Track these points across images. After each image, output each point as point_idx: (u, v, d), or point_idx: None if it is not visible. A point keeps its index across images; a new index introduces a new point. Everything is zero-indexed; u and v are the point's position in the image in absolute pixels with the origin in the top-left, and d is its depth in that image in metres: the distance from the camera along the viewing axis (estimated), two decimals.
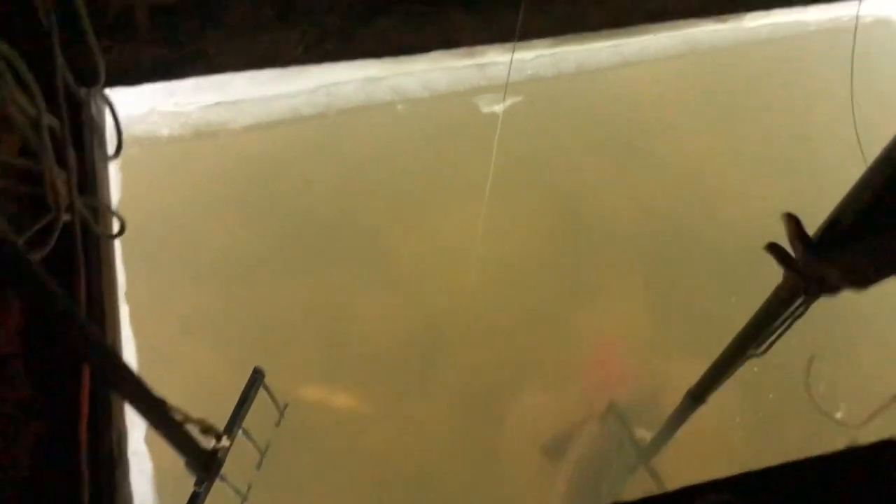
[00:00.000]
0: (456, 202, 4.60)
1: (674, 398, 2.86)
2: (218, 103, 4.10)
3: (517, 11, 3.13)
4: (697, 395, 2.65)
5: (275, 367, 4.08)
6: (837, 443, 2.14)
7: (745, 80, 5.09)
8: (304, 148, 4.64)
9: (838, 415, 3.91)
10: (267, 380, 3.16)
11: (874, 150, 1.61)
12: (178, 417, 2.30)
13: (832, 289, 1.74)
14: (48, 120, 2.08)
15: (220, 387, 3.90)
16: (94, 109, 2.74)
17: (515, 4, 3.10)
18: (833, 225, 1.68)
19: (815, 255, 1.70)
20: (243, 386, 3.07)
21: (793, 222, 1.74)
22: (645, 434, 3.59)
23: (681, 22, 4.37)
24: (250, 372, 3.17)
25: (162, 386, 3.87)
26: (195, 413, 2.40)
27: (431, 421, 4.08)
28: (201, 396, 3.98)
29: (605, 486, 3.83)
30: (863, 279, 1.68)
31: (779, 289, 2.02)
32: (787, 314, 2.02)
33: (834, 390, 4.12)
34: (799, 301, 1.95)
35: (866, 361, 4.37)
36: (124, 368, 1.89)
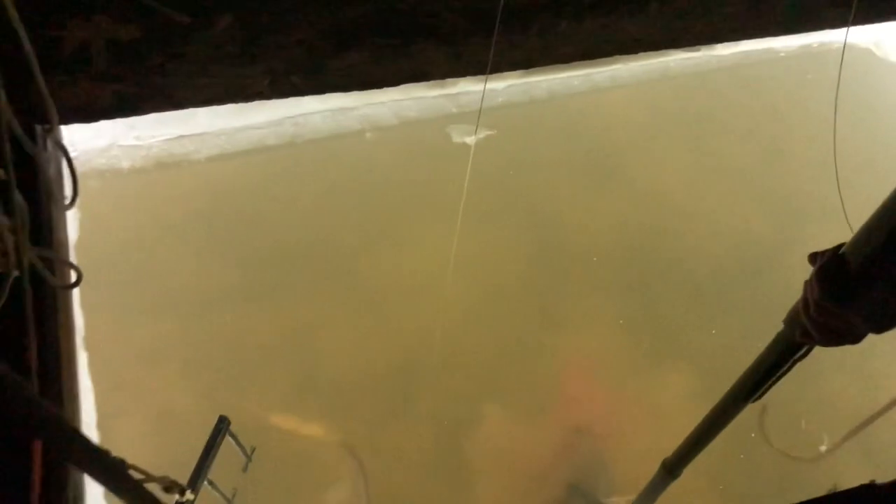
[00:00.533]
0: (429, 229, 4.55)
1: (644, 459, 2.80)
2: (181, 136, 4.00)
3: (488, 45, 3.08)
4: (672, 468, 2.55)
5: (244, 399, 3.98)
6: (810, 482, 2.11)
7: (716, 105, 5.10)
8: (271, 177, 4.55)
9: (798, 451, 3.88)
10: (238, 412, 3.06)
11: (847, 172, 1.56)
12: (138, 477, 2.19)
13: (855, 338, 1.61)
14: None
15: (187, 423, 3.80)
16: (48, 152, 2.61)
17: (486, 39, 3.04)
18: (842, 267, 1.58)
19: (835, 301, 1.58)
20: (211, 420, 2.96)
21: (826, 263, 1.61)
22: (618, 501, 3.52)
23: (652, 53, 4.38)
24: (217, 416, 3.06)
25: (125, 427, 3.74)
26: (161, 457, 2.30)
27: (410, 448, 4.02)
28: (168, 434, 3.87)
29: None
30: (887, 323, 1.56)
31: (785, 339, 1.92)
32: (790, 362, 1.93)
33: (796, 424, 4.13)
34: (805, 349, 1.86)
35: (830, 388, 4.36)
36: (79, 438, 1.77)
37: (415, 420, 4.08)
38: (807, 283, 1.70)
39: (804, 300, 1.69)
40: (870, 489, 2.12)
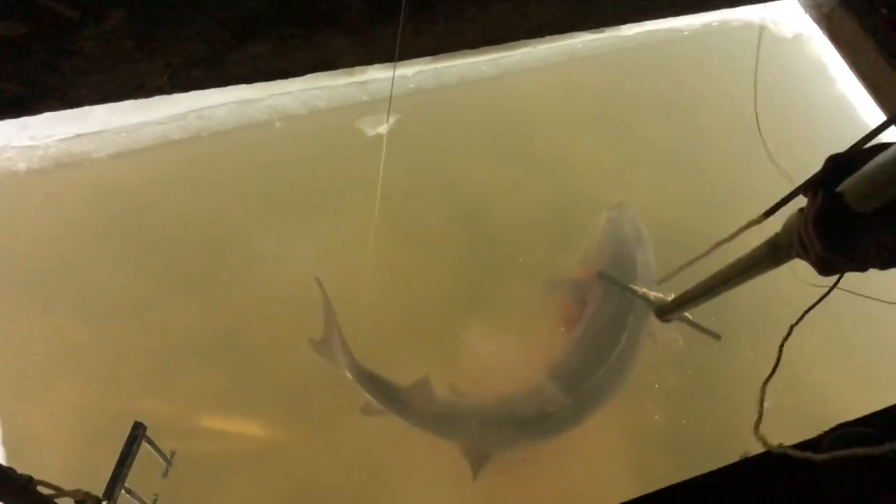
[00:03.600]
0: (346, 217, 4.47)
1: None
2: (78, 135, 3.81)
3: (395, 34, 3.05)
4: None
5: (164, 402, 3.85)
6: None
7: (627, 85, 5.19)
8: (178, 172, 4.38)
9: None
10: (157, 417, 2.97)
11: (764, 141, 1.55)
12: (48, 493, 2.12)
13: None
14: None
15: (104, 431, 3.66)
16: None
17: (393, 27, 3.01)
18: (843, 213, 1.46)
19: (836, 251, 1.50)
20: (128, 427, 2.88)
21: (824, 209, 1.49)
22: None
23: (559, 36, 4.43)
24: (131, 424, 2.97)
25: (37, 440, 3.56)
26: (77, 469, 2.22)
27: (346, 447, 3.94)
28: (84, 444, 3.72)
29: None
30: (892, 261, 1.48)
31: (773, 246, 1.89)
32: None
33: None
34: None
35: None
36: None
37: (352, 412, 4.01)
38: (799, 223, 1.61)
39: (800, 242, 1.61)
40: (768, 457, 2.21)
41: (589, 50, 5.04)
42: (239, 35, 2.98)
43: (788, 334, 1.92)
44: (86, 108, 3.21)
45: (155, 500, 3.15)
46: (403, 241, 4.42)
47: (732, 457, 2.18)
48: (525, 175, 4.72)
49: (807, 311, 1.90)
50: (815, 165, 1.55)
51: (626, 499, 2.04)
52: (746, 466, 2.16)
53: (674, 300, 3.03)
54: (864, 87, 4.68)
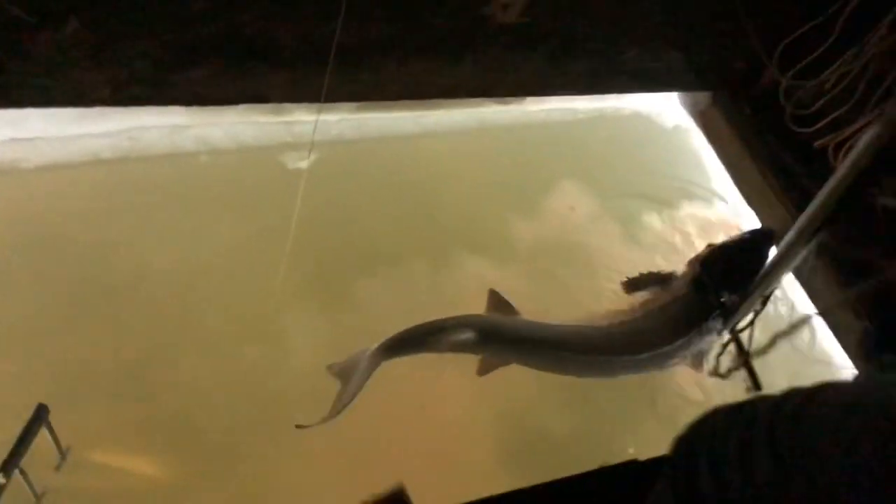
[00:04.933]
0: (258, 250, 4.56)
1: None
2: (12, 139, 3.97)
3: (323, 73, 3.41)
4: None
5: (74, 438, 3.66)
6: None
7: (526, 157, 5.63)
8: (102, 193, 4.50)
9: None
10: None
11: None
12: None
13: None
14: None
15: None
16: None
17: (322, 69, 3.37)
18: None
19: None
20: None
21: None
22: None
23: (470, 101, 4.93)
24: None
25: None
26: None
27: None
28: None
29: None
30: None
31: None
32: None
33: None
34: None
35: None
36: None
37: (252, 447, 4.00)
38: None
39: None
40: (633, 464, 2.42)
41: (495, 121, 5.53)
42: (180, 58, 3.30)
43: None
44: (25, 114, 3.43)
45: (43, 493, 3.21)
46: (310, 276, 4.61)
47: None
48: (423, 233, 5.00)
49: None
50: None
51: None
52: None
53: None
54: (732, 181, 5.34)
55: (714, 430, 1.32)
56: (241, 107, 3.89)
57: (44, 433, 3.09)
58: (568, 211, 5.35)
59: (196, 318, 4.27)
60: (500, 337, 3.85)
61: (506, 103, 5.30)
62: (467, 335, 3.77)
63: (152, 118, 4.15)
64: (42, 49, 2.98)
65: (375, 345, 3.69)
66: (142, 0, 2.96)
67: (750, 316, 3.99)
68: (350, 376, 3.68)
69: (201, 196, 4.69)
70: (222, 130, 4.56)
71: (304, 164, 4.52)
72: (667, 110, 5.90)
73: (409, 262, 4.80)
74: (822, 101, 4.30)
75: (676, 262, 4.60)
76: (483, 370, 3.86)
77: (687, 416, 1.40)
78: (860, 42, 4.03)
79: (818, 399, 1.16)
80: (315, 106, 3.66)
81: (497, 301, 4.02)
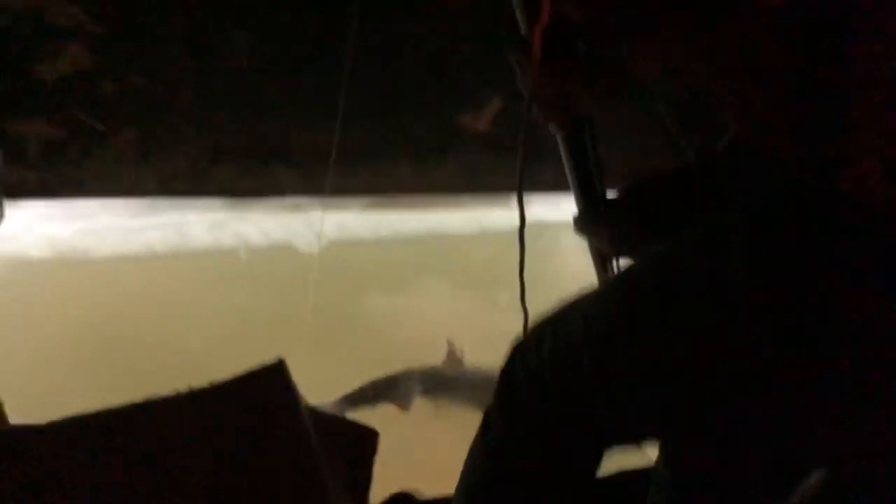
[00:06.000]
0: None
1: None
2: (84, 230, 4.88)
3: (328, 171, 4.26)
4: None
5: None
6: None
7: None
8: (156, 285, 5.29)
9: None
10: None
11: None
12: None
13: None
14: None
15: None
16: None
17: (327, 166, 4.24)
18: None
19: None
20: None
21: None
22: None
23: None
24: None
25: None
26: None
27: None
28: None
29: None
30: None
31: None
32: None
33: None
34: None
35: None
36: None
37: None
38: None
39: None
40: (406, 499, 2.25)
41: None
42: (213, 158, 4.22)
43: None
44: (95, 209, 4.38)
45: None
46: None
47: None
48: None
49: None
50: None
51: None
52: None
53: None
54: None
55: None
56: (268, 203, 4.77)
57: None
58: None
59: None
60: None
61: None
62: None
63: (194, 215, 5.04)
64: (105, 150, 3.94)
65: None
66: (180, 114, 3.93)
67: None
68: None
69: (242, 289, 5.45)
70: (254, 227, 5.41)
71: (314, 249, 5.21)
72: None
73: None
74: None
75: None
76: None
77: None
78: None
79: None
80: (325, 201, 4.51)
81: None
